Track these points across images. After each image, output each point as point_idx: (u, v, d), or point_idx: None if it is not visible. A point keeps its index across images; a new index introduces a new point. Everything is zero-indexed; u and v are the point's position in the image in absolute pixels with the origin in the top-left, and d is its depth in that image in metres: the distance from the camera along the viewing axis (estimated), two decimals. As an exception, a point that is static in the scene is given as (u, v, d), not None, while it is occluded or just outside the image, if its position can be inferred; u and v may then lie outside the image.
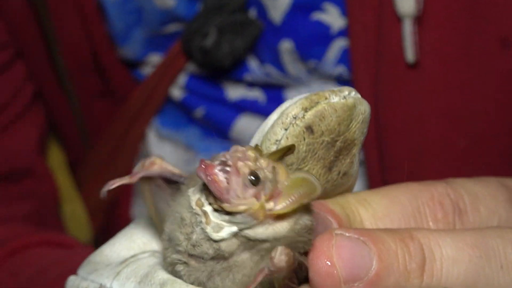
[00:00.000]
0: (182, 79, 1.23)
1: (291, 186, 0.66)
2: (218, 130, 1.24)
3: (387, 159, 1.13)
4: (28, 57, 1.27)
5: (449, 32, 1.07)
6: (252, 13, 1.16)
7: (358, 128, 0.72)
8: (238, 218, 0.65)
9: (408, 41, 1.07)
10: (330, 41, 1.14)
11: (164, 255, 0.69)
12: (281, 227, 0.66)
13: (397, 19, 1.07)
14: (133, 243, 0.75)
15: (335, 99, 0.70)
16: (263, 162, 0.66)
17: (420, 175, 1.07)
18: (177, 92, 1.24)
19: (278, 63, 1.16)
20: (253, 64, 1.18)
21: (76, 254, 1.05)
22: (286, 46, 1.15)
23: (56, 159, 1.39)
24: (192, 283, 0.67)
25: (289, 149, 0.69)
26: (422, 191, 0.75)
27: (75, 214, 1.35)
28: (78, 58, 1.24)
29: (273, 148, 0.69)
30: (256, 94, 1.21)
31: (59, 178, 1.35)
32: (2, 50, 1.24)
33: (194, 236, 0.66)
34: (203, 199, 0.66)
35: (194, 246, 0.66)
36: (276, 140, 0.69)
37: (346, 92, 0.71)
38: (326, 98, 0.70)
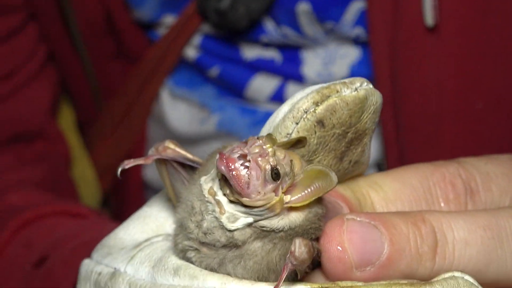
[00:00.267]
0: (196, 39, 1.24)
1: (306, 178, 0.67)
2: (233, 90, 1.25)
3: (404, 121, 1.14)
4: (41, 19, 1.28)
5: None
6: None
7: (369, 119, 0.73)
8: (255, 210, 0.67)
9: (427, 5, 1.07)
10: (347, 3, 1.15)
11: (175, 241, 0.72)
12: (296, 218, 0.68)
13: (417, -18, 1.07)
14: (147, 226, 0.78)
15: (346, 92, 0.71)
16: (280, 155, 0.67)
17: (436, 138, 1.09)
18: (191, 52, 1.25)
19: (295, 25, 1.17)
20: (269, 25, 1.18)
21: (90, 226, 1.07)
22: (303, 7, 1.15)
23: (66, 119, 1.41)
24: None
25: (299, 141, 0.70)
26: (433, 172, 0.76)
27: (84, 175, 1.37)
28: (91, 20, 1.24)
29: (284, 141, 0.71)
30: (272, 54, 1.22)
31: (69, 138, 1.37)
32: (15, 13, 1.25)
33: (205, 224, 0.68)
34: (215, 188, 0.68)
35: (205, 234, 0.68)
36: (287, 134, 0.71)
37: (358, 84, 0.72)
38: (337, 92, 0.71)
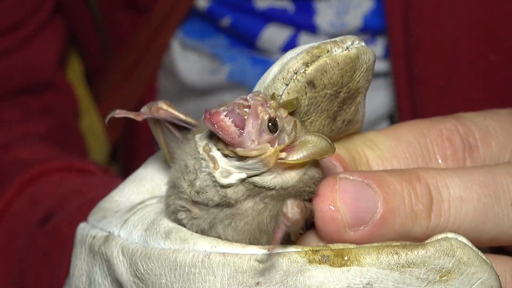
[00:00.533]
0: (208, -12, 1.24)
1: (306, 143, 0.68)
2: (244, 40, 1.25)
3: (416, 73, 1.13)
4: None
5: None
6: None
7: (362, 77, 0.73)
8: (249, 163, 0.67)
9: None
10: None
11: (167, 203, 0.73)
12: (290, 177, 0.68)
13: None
14: (142, 188, 0.79)
15: (337, 51, 0.71)
16: (283, 113, 0.68)
17: (449, 90, 1.08)
18: (202, 2, 1.24)
19: None
20: None
21: (97, 183, 1.08)
22: None
23: (74, 71, 1.41)
24: (195, 232, 0.70)
25: (291, 104, 0.70)
26: (430, 128, 0.76)
27: (92, 127, 1.38)
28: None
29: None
30: (285, 3, 1.21)
31: (77, 90, 1.38)
32: None
33: (198, 183, 0.69)
34: (211, 145, 0.69)
35: (198, 192, 0.69)
36: (277, 95, 0.71)
37: (349, 42, 0.71)
38: (327, 51, 0.71)
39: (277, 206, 0.69)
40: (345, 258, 0.66)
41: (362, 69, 0.72)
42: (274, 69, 0.72)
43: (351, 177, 0.69)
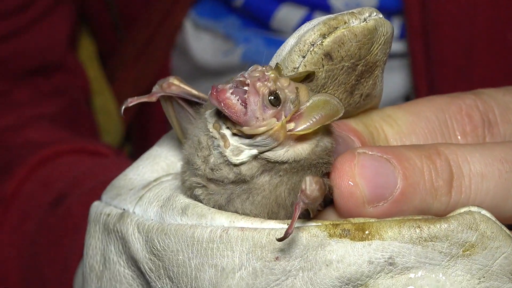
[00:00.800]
0: (221, -33, 1.23)
1: (313, 107, 0.67)
2: (258, 20, 1.24)
3: (434, 52, 1.12)
4: None
5: None
6: None
7: (380, 50, 0.72)
8: (258, 140, 0.67)
9: None
10: None
11: (182, 179, 0.72)
12: (302, 149, 0.68)
13: None
14: (157, 165, 0.78)
15: (354, 22, 0.70)
16: (284, 82, 0.67)
17: (467, 70, 1.07)
18: (215, -19, 1.24)
19: None
20: None
21: (109, 165, 1.08)
22: None
23: (86, 51, 1.41)
24: (212, 207, 0.70)
25: (308, 76, 0.69)
26: (449, 104, 0.75)
27: (106, 107, 1.38)
28: None
29: (291, 76, 0.70)
30: None
31: (90, 70, 1.37)
32: None
33: (212, 160, 0.68)
34: (220, 123, 0.68)
35: (212, 170, 0.69)
36: (294, 68, 0.70)
37: (367, 14, 0.71)
38: (345, 23, 0.70)
39: (292, 179, 0.68)
40: (366, 232, 0.66)
41: (380, 42, 0.71)
42: (291, 41, 0.71)
43: (370, 152, 0.68)
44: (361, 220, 0.67)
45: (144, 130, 1.39)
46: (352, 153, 0.68)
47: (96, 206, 0.77)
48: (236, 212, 0.69)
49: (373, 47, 0.71)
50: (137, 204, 0.74)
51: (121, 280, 0.74)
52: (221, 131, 0.68)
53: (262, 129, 0.66)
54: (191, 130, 0.71)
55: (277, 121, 0.66)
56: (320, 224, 0.67)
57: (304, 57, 0.70)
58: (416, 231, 0.66)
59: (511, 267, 0.67)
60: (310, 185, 0.64)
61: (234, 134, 0.67)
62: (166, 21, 1.28)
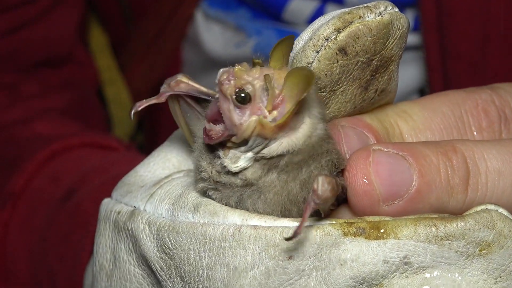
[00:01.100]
0: (232, -42, 1.23)
1: (291, 88, 0.65)
2: (270, 12, 1.24)
3: (448, 46, 1.11)
4: None
5: None
6: None
7: (395, 45, 0.71)
8: (250, 142, 0.66)
9: None
10: None
11: (195, 177, 0.72)
12: (295, 139, 0.67)
13: None
14: (168, 162, 0.78)
15: (370, 17, 0.70)
16: (253, 73, 0.66)
17: (482, 64, 1.06)
18: (226, -28, 1.24)
19: None
20: None
21: (120, 160, 1.08)
22: None
23: (98, 41, 1.41)
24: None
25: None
26: (465, 99, 0.75)
27: (119, 97, 1.38)
28: None
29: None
30: None
31: (102, 60, 1.37)
32: None
33: (217, 167, 0.68)
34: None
35: (219, 173, 0.69)
36: (308, 63, 0.70)
37: (382, 8, 0.70)
38: (360, 17, 0.69)
39: (301, 173, 0.68)
40: (381, 230, 0.65)
41: (395, 36, 0.71)
42: (304, 36, 0.71)
43: (385, 149, 0.68)
44: (376, 218, 0.67)
45: (156, 120, 1.38)
46: (367, 150, 0.68)
47: (106, 203, 0.77)
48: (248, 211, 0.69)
49: (388, 41, 0.71)
50: (148, 201, 0.73)
51: (131, 279, 0.73)
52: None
53: (247, 132, 0.65)
54: (197, 130, 0.71)
55: (257, 116, 0.65)
56: (334, 222, 0.66)
57: (318, 52, 0.69)
58: (432, 229, 0.65)
59: (529, 266, 0.66)
60: (322, 185, 0.64)
61: (229, 148, 0.67)
62: (177, 12, 1.28)
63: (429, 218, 0.66)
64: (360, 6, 0.70)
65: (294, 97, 0.65)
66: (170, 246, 0.69)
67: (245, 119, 0.65)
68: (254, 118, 0.65)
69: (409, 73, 1.21)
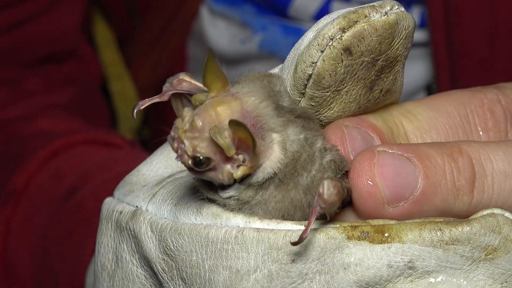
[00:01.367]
0: (236, -47, 1.23)
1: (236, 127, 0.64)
2: (275, 7, 1.23)
3: (456, 43, 1.11)
4: None
5: None
6: None
7: (401, 45, 0.71)
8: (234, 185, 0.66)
9: None
10: None
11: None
12: (275, 158, 0.66)
13: None
14: (171, 161, 0.78)
15: (375, 16, 0.69)
16: (193, 127, 0.64)
17: (490, 62, 1.05)
18: (230, -33, 1.24)
19: None
20: None
21: (123, 157, 1.07)
22: None
23: (103, 35, 1.41)
24: None
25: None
26: (470, 98, 0.74)
27: (124, 92, 1.38)
28: None
29: (309, 70, 0.68)
30: None
31: (107, 54, 1.37)
32: None
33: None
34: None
35: (213, 193, 0.68)
36: (312, 63, 0.69)
37: (388, 7, 0.69)
38: (365, 16, 0.69)
39: (302, 180, 0.67)
40: (386, 234, 0.65)
41: (401, 36, 0.70)
42: (309, 35, 0.70)
43: (390, 150, 0.67)
44: (381, 222, 0.66)
45: (162, 116, 1.38)
46: (372, 151, 0.67)
47: (108, 202, 0.76)
48: None
49: (394, 41, 0.70)
50: (150, 201, 0.73)
51: (133, 280, 0.73)
52: None
53: (226, 181, 0.65)
54: None
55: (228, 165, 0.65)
56: (338, 225, 0.66)
57: (322, 51, 0.68)
58: (437, 234, 0.65)
59: (535, 271, 0.66)
60: (328, 189, 0.63)
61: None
62: (182, 8, 1.27)
63: (434, 222, 0.65)
64: (365, 5, 0.69)
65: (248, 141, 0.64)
66: (172, 247, 0.68)
67: (219, 170, 0.65)
68: (226, 168, 0.65)
69: (416, 70, 1.21)
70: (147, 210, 0.72)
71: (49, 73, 1.27)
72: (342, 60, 0.69)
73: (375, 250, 0.64)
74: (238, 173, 0.65)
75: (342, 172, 0.68)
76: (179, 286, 0.69)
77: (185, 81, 0.71)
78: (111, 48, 1.40)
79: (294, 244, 0.63)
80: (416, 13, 1.19)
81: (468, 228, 0.64)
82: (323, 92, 0.69)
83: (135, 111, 0.72)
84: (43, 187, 1.06)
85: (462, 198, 0.67)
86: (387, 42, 0.69)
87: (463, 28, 1.10)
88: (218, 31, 1.28)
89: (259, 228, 0.66)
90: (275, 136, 0.67)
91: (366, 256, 0.64)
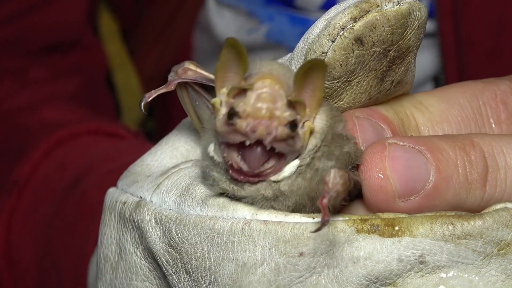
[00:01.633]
0: None
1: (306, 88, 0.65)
2: (281, -2, 1.23)
3: (464, 34, 1.10)
4: None
5: None
6: None
7: (413, 35, 0.70)
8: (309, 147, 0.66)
9: None
10: None
11: (202, 167, 0.70)
12: (320, 126, 0.66)
13: None
14: (176, 151, 0.77)
15: (387, 6, 0.68)
16: (279, 106, 0.65)
17: (498, 52, 1.04)
18: (237, -42, 1.23)
19: None
20: None
21: (127, 148, 1.07)
22: None
23: (108, 26, 1.40)
24: None
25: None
26: (483, 90, 0.73)
27: (128, 83, 1.37)
28: None
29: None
30: None
31: (111, 45, 1.36)
32: None
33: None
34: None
35: (242, 186, 0.67)
36: (322, 53, 0.68)
37: (400, -3, 0.68)
38: (377, 6, 0.68)
39: (326, 163, 0.67)
40: (396, 228, 0.64)
41: (413, 26, 0.69)
42: (320, 24, 0.69)
43: (401, 143, 0.66)
44: (391, 215, 0.65)
45: (168, 107, 1.37)
46: (383, 144, 0.66)
47: (111, 193, 0.75)
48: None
49: (406, 32, 0.69)
50: (155, 192, 0.72)
51: (137, 272, 0.72)
52: None
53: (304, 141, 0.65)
54: (207, 123, 0.69)
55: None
56: (347, 218, 0.65)
57: (333, 41, 0.67)
58: (449, 228, 0.63)
59: (548, 267, 0.64)
60: (334, 178, 0.62)
61: None
62: None
63: (446, 216, 0.64)
64: None
65: (318, 88, 0.64)
66: (176, 239, 0.67)
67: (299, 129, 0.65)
68: (307, 123, 0.65)
69: (423, 60, 1.20)
70: (151, 201, 0.71)
71: (54, 62, 1.26)
72: (353, 50, 0.67)
73: (385, 243, 0.63)
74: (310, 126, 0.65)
75: (353, 164, 0.67)
76: (183, 278, 0.68)
77: (191, 69, 0.71)
78: (115, 40, 1.40)
79: (315, 231, 0.62)
80: (424, 3, 1.18)
81: (480, 223, 0.63)
82: (333, 83, 0.68)
83: (143, 104, 0.71)
84: (47, 178, 1.05)
85: (474, 192, 0.66)
86: (399, 33, 0.68)
87: (471, 18, 1.09)
88: (225, 21, 1.28)
89: (267, 220, 0.65)
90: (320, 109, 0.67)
91: (376, 250, 0.63)
